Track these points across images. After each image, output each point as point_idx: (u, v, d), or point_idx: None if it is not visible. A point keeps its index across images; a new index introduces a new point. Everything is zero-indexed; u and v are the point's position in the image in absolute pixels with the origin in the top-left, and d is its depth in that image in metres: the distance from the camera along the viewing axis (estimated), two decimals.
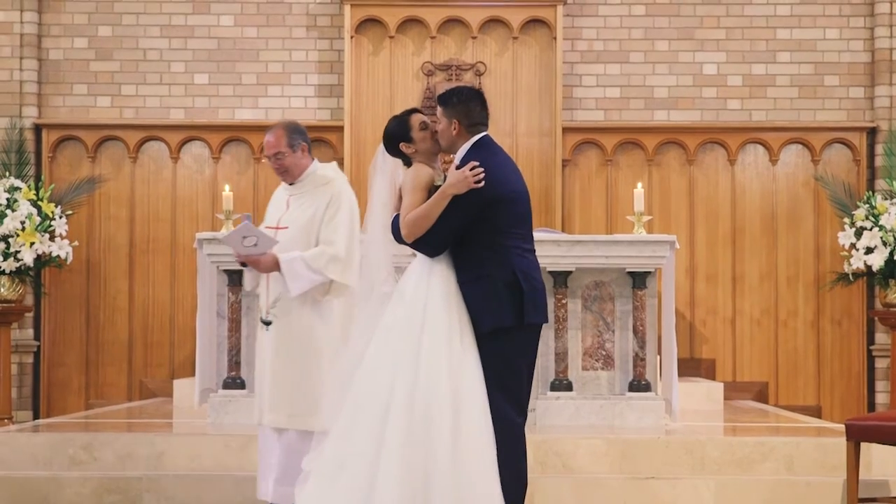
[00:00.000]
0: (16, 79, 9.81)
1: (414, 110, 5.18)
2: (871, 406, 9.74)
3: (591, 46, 10.01)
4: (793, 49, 9.98)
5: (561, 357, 7.41)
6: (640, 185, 8.30)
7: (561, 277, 7.41)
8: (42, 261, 9.22)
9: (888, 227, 8.96)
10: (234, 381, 7.47)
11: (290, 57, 9.98)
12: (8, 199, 8.96)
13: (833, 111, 9.96)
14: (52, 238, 9.20)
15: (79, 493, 6.54)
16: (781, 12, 10.00)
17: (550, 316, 7.23)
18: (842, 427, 6.56)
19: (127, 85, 9.97)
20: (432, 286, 4.93)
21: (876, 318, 9.60)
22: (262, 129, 9.11)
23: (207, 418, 7.47)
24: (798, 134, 9.95)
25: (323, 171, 5.75)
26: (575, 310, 7.48)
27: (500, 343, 4.90)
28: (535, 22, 9.87)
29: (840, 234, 9.27)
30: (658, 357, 7.57)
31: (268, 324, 5.63)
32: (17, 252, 8.90)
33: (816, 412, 9.59)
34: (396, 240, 5.06)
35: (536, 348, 5.08)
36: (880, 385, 9.71)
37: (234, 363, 7.49)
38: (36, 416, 9.66)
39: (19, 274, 9.04)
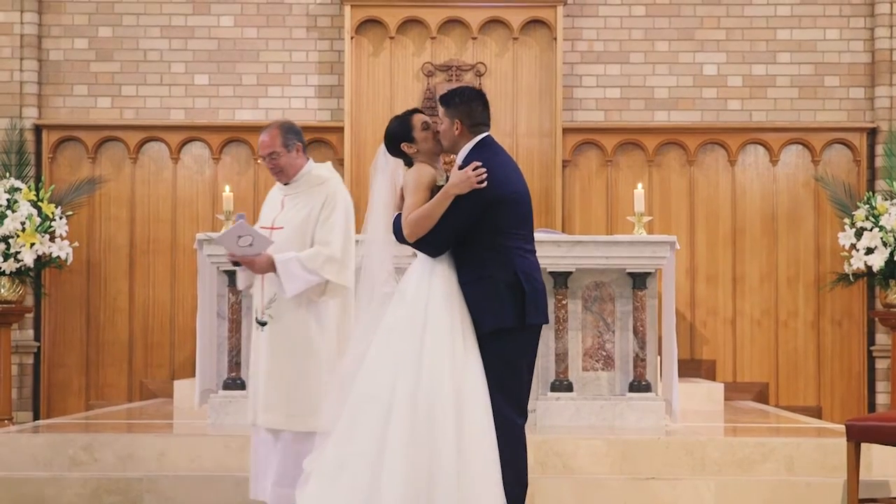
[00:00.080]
0: (16, 79, 9.81)
1: (416, 110, 5.18)
2: (872, 407, 9.74)
3: (591, 47, 10.00)
4: (793, 49, 9.98)
5: (561, 358, 7.40)
6: (640, 185, 8.30)
7: (561, 278, 7.41)
8: (42, 261, 9.22)
9: (888, 227, 8.96)
10: (235, 382, 7.47)
11: (290, 58, 9.98)
12: (8, 200, 8.96)
13: (833, 112, 9.96)
14: (52, 239, 9.20)
15: (79, 493, 6.54)
16: (782, 13, 10.00)
17: (551, 316, 7.23)
18: (842, 428, 6.56)
19: (127, 86, 9.97)
20: (434, 286, 4.93)
21: (876, 319, 9.60)
22: (262, 129, 9.08)
23: (208, 419, 7.47)
24: (798, 134, 9.95)
25: (318, 170, 5.72)
26: (575, 310, 7.48)
27: (501, 343, 4.91)
28: (536, 22, 9.87)
29: (840, 234, 9.27)
30: (658, 358, 7.56)
31: (263, 324, 5.61)
32: (18, 253, 8.90)
33: (817, 413, 9.59)
34: (398, 239, 5.06)
35: (536, 349, 5.08)
36: (881, 385, 9.71)
37: (235, 364, 7.49)
38: (36, 417, 9.66)
39: (19, 275, 9.04)
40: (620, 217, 9.69)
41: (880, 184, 9.73)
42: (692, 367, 9.68)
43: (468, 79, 9.79)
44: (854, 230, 9.17)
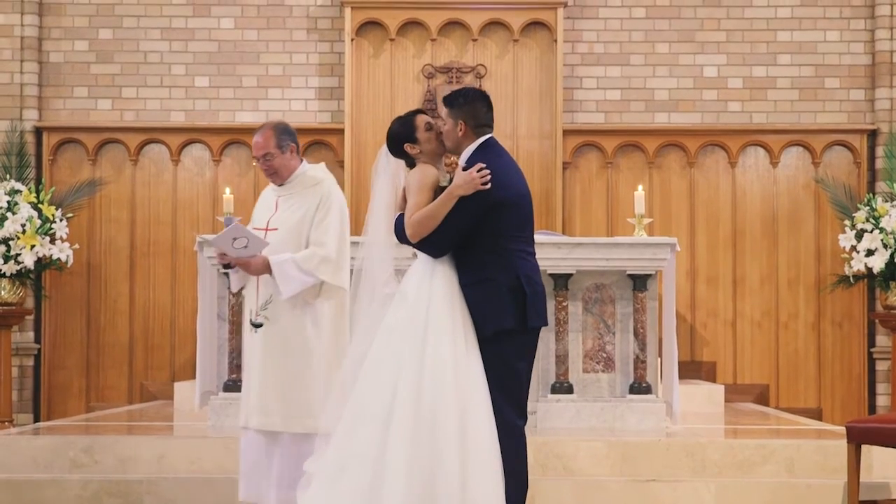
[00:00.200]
0: (16, 81, 9.81)
1: (419, 111, 5.18)
2: (872, 408, 9.73)
3: (591, 49, 10.01)
4: (793, 51, 9.98)
5: (561, 360, 7.40)
6: (640, 187, 8.30)
7: (561, 280, 7.41)
8: (43, 264, 9.21)
9: (889, 229, 8.95)
10: (235, 384, 7.45)
11: (290, 60, 9.98)
12: (8, 202, 8.96)
13: (833, 113, 9.96)
14: (52, 241, 9.20)
15: (79, 496, 6.54)
16: (782, 14, 10.00)
17: (551, 318, 7.23)
18: (842, 429, 6.55)
19: (127, 87, 9.97)
20: (435, 287, 4.93)
21: (876, 321, 9.59)
22: None
23: (208, 421, 7.47)
24: (798, 136, 9.95)
25: (312, 172, 5.72)
26: (575, 312, 7.48)
27: (501, 345, 4.91)
28: (536, 24, 9.87)
29: (841, 236, 9.27)
30: (659, 359, 7.57)
31: (258, 326, 5.61)
32: (18, 255, 8.90)
33: (817, 414, 9.58)
34: (400, 240, 5.06)
35: (535, 351, 5.08)
36: (881, 387, 9.71)
37: (235, 366, 7.48)
38: (36, 419, 9.66)
39: (20, 277, 9.03)
40: (621, 219, 9.69)
41: (881, 186, 9.73)
42: (692, 369, 9.68)
43: (468, 81, 9.79)
44: (854, 232, 9.17)
